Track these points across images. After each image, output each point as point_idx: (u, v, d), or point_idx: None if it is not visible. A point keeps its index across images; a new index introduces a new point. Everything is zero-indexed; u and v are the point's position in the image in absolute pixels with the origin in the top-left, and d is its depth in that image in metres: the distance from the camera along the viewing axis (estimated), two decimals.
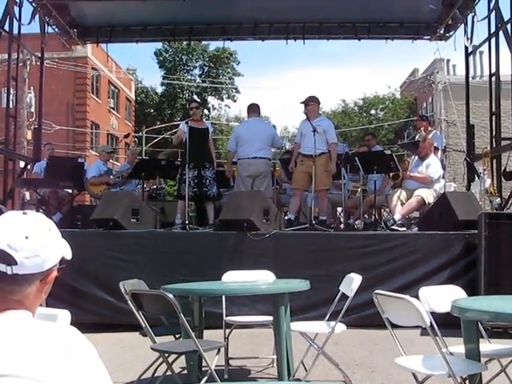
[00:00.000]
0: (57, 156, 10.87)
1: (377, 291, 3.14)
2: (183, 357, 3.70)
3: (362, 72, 74.87)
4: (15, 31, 9.12)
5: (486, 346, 3.29)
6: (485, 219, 5.89)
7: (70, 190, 9.14)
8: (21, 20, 9.14)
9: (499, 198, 7.98)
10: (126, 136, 14.94)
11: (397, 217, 7.45)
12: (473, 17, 9.03)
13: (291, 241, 6.70)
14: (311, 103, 7.74)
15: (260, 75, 78.73)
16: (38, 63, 11.28)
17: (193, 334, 3.48)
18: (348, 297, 3.92)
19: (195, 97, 37.35)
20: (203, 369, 3.90)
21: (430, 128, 9.40)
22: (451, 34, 9.99)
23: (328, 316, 4.22)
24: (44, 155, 9.40)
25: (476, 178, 9.47)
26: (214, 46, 36.91)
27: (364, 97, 40.02)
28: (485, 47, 9.13)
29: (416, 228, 7.34)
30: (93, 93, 29.42)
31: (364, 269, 5.33)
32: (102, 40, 10.70)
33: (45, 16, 9.61)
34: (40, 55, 10.54)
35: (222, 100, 41.47)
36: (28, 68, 17.94)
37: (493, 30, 8.56)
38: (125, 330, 5.69)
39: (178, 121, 29.24)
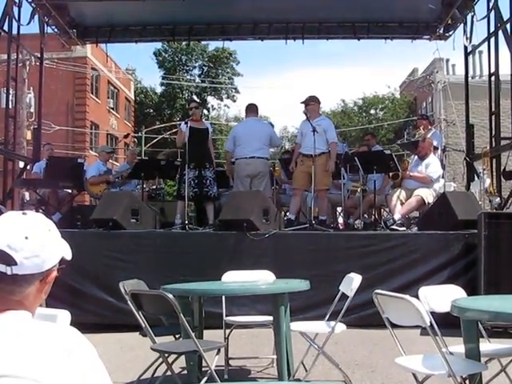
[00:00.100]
0: (56, 156, 10.87)
1: (377, 291, 3.14)
2: (183, 357, 3.70)
3: (361, 72, 75.01)
4: (14, 31, 9.11)
5: (486, 345, 3.29)
6: (484, 219, 5.89)
7: (69, 191, 9.15)
8: (20, 20, 9.13)
9: (499, 198, 7.97)
10: (126, 136, 14.93)
11: (396, 216, 7.45)
12: (472, 16, 9.03)
13: (291, 241, 6.70)
14: (311, 103, 7.74)
15: (259, 75, 78.78)
16: (38, 63, 11.30)
17: (193, 334, 3.48)
18: (348, 297, 3.91)
19: (195, 97, 37.39)
20: (203, 369, 3.90)
21: (430, 127, 9.40)
22: (450, 33, 10.00)
23: (328, 316, 4.21)
24: (43, 155, 9.40)
25: (476, 178, 9.48)
26: (213, 45, 36.98)
27: (363, 96, 40.10)
28: (484, 47, 9.14)
29: (416, 228, 7.34)
30: (92, 93, 29.41)
31: (364, 268, 5.33)
32: (101, 40, 10.69)
33: (44, 16, 9.60)
34: (39, 55, 10.55)
35: (222, 100, 41.56)
36: (27, 68, 17.95)
37: (492, 29, 8.56)
38: (125, 331, 5.69)
39: (178, 121, 29.31)
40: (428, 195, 7.53)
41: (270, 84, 72.40)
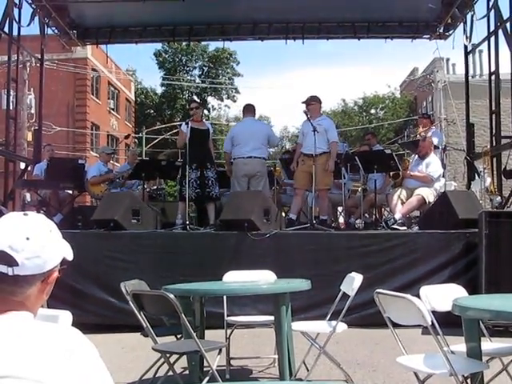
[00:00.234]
0: (57, 157, 10.88)
1: (378, 290, 3.14)
2: (185, 357, 3.70)
3: (361, 71, 75.10)
4: (15, 33, 9.11)
5: (488, 344, 3.29)
6: (485, 218, 5.89)
7: (70, 191, 9.16)
8: (20, 21, 9.13)
9: (499, 197, 7.98)
10: (126, 137, 14.96)
11: (397, 216, 7.45)
12: (472, 15, 9.03)
13: (292, 240, 6.70)
14: (312, 103, 7.74)
15: (260, 75, 78.82)
16: (38, 65, 11.29)
17: (194, 334, 3.48)
18: (349, 296, 3.91)
19: (195, 97, 37.38)
20: (205, 369, 3.90)
21: (430, 126, 9.40)
22: (450, 32, 10.00)
23: (329, 315, 4.21)
24: (44, 156, 9.41)
25: (476, 177, 9.47)
26: (213, 46, 37.01)
27: (364, 96, 40.11)
28: (484, 46, 9.15)
29: (416, 227, 7.34)
30: (93, 94, 29.43)
31: (365, 268, 5.33)
32: (101, 41, 10.69)
33: (44, 17, 9.61)
34: (40, 57, 10.54)
35: (222, 100, 41.59)
36: (28, 69, 17.95)
37: (492, 28, 8.56)
38: (126, 331, 5.70)
39: (178, 121, 29.29)
40: (429, 194, 7.53)
41: (270, 84, 72.57)
